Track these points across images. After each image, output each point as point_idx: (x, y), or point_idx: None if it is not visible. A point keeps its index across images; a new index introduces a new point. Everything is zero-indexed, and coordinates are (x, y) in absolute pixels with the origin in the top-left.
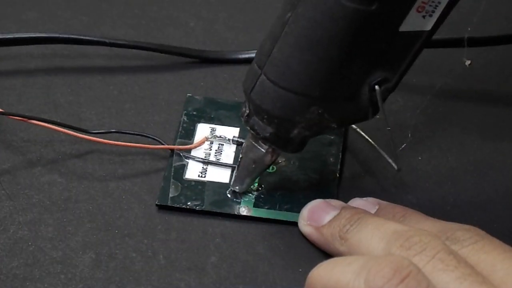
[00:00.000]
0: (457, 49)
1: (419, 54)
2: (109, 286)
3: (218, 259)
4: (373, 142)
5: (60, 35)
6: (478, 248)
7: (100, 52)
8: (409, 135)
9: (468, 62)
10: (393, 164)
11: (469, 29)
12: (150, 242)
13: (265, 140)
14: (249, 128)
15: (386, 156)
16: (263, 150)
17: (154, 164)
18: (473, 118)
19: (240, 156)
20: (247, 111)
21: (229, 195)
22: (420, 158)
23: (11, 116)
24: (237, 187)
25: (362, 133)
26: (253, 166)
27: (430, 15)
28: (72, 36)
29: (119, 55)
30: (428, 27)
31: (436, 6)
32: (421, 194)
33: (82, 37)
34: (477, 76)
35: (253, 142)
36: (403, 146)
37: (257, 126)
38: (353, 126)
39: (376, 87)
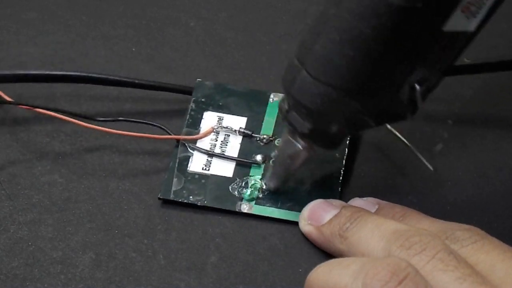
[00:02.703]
0: None
1: (460, 55)
2: (109, 286)
3: (218, 259)
4: (408, 143)
5: (85, 74)
6: (478, 248)
7: (101, 53)
8: (445, 135)
9: (468, 62)
10: (428, 165)
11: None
12: (150, 242)
13: (303, 136)
14: (287, 124)
15: (421, 157)
16: (300, 146)
17: (154, 164)
18: (474, 118)
19: (276, 152)
20: (286, 107)
21: (231, 191)
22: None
23: (19, 106)
24: (272, 184)
25: (398, 134)
26: (289, 162)
27: (474, 16)
28: (94, 75)
29: (119, 54)
30: (472, 28)
31: (481, 7)
32: (421, 194)
33: (102, 76)
34: (477, 78)
35: (291, 138)
36: (441, 147)
37: (296, 121)
38: (388, 126)
39: (417, 86)
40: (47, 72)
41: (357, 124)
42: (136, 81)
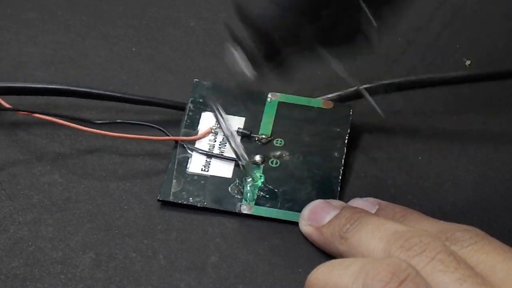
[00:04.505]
0: (454, 47)
1: None
2: (109, 286)
3: (218, 259)
4: (371, 100)
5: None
6: (478, 249)
7: (101, 53)
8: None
9: (468, 62)
10: (379, 111)
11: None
12: (150, 242)
13: (246, 48)
14: (232, 37)
15: (374, 103)
16: (239, 56)
17: (154, 164)
18: (473, 118)
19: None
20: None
21: (230, 192)
22: (420, 158)
23: (18, 112)
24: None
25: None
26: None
27: None
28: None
29: (119, 54)
30: None
31: None
32: (421, 194)
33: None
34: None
35: (235, 52)
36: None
37: (242, 34)
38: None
39: (373, 21)
40: (43, 86)
41: (301, 39)
42: (132, 97)
